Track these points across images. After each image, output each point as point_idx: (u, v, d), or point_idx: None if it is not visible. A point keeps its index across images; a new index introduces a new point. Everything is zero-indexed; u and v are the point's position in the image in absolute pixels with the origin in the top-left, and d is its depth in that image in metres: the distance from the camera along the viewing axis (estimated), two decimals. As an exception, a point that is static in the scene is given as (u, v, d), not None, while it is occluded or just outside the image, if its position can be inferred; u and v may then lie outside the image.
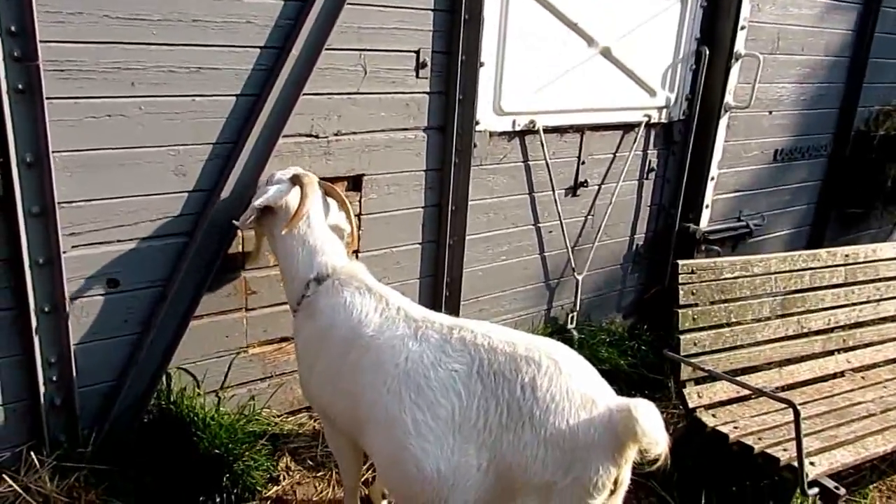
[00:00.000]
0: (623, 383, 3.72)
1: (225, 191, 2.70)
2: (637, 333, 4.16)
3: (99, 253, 2.53)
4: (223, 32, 2.60)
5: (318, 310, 2.32)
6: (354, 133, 3.04)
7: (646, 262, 4.40)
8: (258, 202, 2.43)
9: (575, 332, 3.93)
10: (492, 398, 1.97)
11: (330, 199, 2.63)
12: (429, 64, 3.15)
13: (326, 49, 2.81)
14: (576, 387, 1.96)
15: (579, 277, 3.98)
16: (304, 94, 2.81)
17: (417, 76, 3.15)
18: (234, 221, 2.51)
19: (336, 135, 3.00)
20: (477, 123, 3.33)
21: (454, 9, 3.13)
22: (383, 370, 2.09)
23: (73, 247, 2.47)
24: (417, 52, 3.11)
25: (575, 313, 4.01)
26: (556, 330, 3.96)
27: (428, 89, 3.20)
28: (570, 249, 3.92)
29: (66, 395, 2.54)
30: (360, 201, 3.13)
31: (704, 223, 4.41)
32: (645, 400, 1.89)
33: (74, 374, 2.54)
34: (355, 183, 3.12)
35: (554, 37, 3.55)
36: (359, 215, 3.13)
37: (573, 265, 3.96)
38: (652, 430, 1.82)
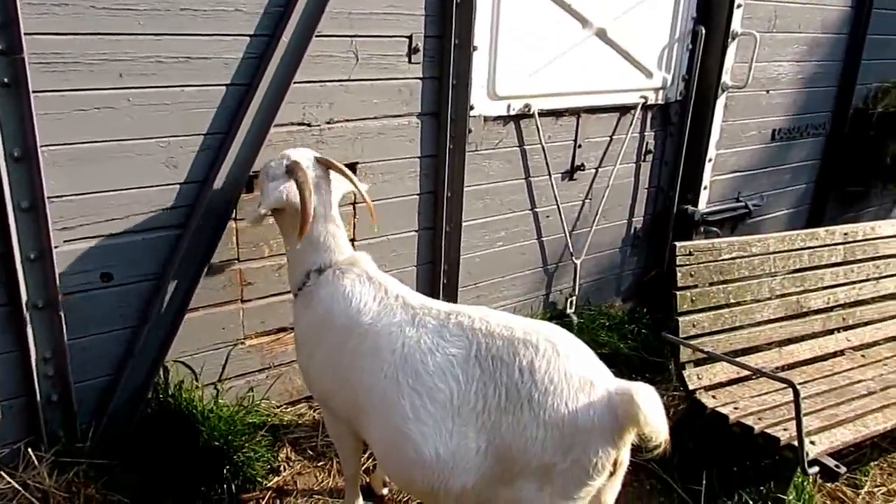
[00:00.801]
0: (623, 366, 3.72)
1: (217, 182, 2.68)
2: (637, 317, 4.15)
3: (91, 247, 2.51)
4: (211, 21, 2.56)
5: (318, 298, 2.31)
6: (347, 121, 3.02)
7: (644, 244, 4.38)
8: (262, 208, 2.33)
9: (574, 317, 3.92)
10: (490, 382, 1.97)
11: (333, 173, 2.49)
12: (421, 49, 3.12)
13: (317, 36, 2.78)
14: (574, 369, 1.95)
15: (577, 262, 3.96)
16: (296, 83, 2.78)
17: (410, 62, 3.11)
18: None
19: (328, 123, 2.97)
20: (471, 108, 3.30)
21: (446, -9, 3.10)
22: (381, 357, 2.09)
23: (64, 241, 2.45)
24: (409, 38, 3.08)
25: (574, 298, 3.99)
26: (555, 315, 3.95)
27: (421, 75, 3.16)
28: (567, 234, 3.90)
29: (62, 390, 2.54)
30: (356, 190, 3.10)
31: (703, 205, 4.38)
32: (645, 384, 1.88)
33: (70, 369, 2.52)
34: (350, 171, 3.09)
35: (548, 19, 3.52)
36: (354, 204, 3.11)
37: (571, 249, 3.94)
38: (654, 418, 1.82)
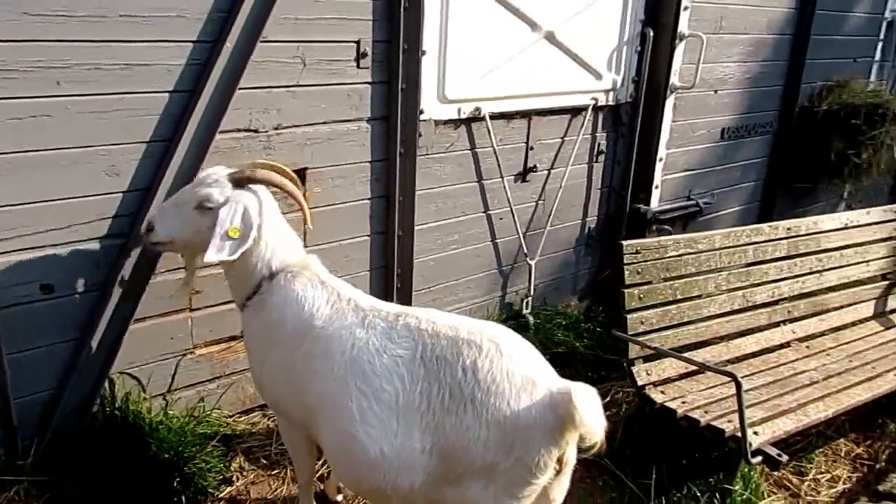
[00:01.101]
0: (580, 365, 3.76)
1: (161, 189, 2.65)
2: (593, 315, 4.20)
3: (30, 258, 2.46)
4: (153, 27, 2.54)
5: (271, 304, 2.29)
6: (295, 126, 3.01)
7: (599, 244, 4.44)
8: (254, 232, 2.19)
9: (530, 317, 3.95)
10: (434, 382, 1.99)
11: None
12: (369, 54, 3.12)
13: (262, 42, 2.76)
14: (516, 368, 1.97)
15: (532, 262, 3.99)
16: (241, 89, 2.76)
17: (358, 66, 3.12)
18: (215, 258, 2.18)
19: (276, 129, 2.95)
20: (421, 112, 3.31)
21: (393, -3, 3.11)
22: (331, 359, 2.11)
23: (1, 253, 2.40)
24: (357, 43, 3.08)
25: (529, 298, 4.02)
26: (511, 315, 3.98)
27: (370, 79, 3.17)
28: (521, 235, 3.93)
29: (1, 406, 2.47)
30: (304, 195, 3.09)
31: (655, 203, 4.45)
32: (585, 385, 1.91)
33: (9, 384, 2.46)
34: (299, 177, 3.07)
35: (497, 23, 3.55)
36: (304, 209, 3.10)
37: (526, 251, 3.97)
38: (589, 419, 1.84)
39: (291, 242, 2.38)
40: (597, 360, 3.82)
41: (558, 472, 2.01)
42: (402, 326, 2.11)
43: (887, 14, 5.85)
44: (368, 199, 3.32)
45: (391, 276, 3.45)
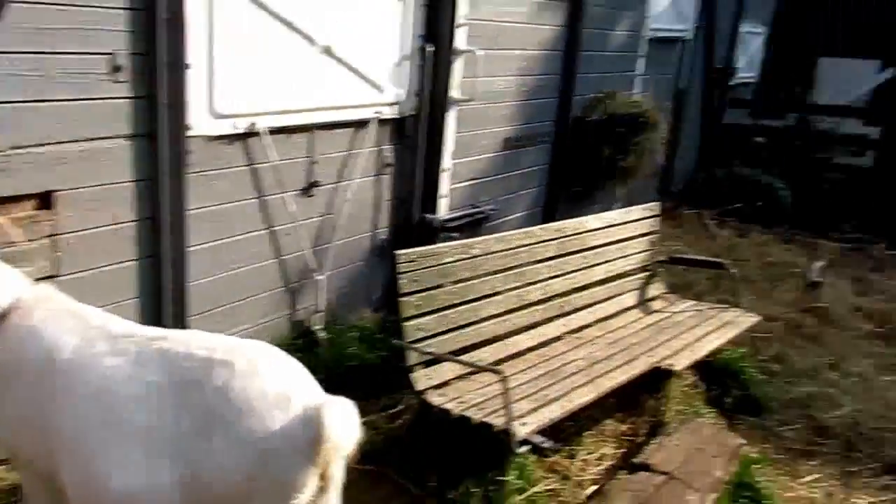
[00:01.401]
0: (372, 377, 3.76)
1: None
2: (388, 326, 4.23)
3: None
4: None
5: (5, 345, 2.05)
6: (39, 145, 2.74)
7: (390, 255, 4.49)
8: None
9: (321, 334, 3.90)
10: (184, 408, 1.89)
11: None
12: (126, 67, 2.93)
13: (-8, 52, 2.50)
14: (270, 387, 1.92)
15: (322, 277, 3.96)
16: (-33, 104, 2.48)
17: (114, 80, 2.92)
18: None
19: (14, 148, 2.68)
20: (189, 128, 3.17)
21: (149, 7, 2.94)
22: (75, 392, 1.94)
23: None
24: (111, 55, 2.88)
25: (321, 314, 3.99)
26: (301, 334, 3.91)
27: (128, 94, 2.97)
28: (309, 250, 3.88)
29: None
30: (52, 221, 2.83)
31: (443, 212, 4.62)
32: (341, 398, 1.91)
33: None
34: (45, 200, 2.82)
35: (272, 36, 3.49)
36: (52, 236, 2.83)
37: (314, 266, 3.93)
38: (337, 434, 1.84)
39: (11, 276, 2.15)
40: (391, 370, 3.85)
41: (323, 490, 1.99)
42: (154, 351, 1.98)
43: (647, 32, 6.59)
44: (133, 221, 3.10)
45: (164, 302, 3.25)
